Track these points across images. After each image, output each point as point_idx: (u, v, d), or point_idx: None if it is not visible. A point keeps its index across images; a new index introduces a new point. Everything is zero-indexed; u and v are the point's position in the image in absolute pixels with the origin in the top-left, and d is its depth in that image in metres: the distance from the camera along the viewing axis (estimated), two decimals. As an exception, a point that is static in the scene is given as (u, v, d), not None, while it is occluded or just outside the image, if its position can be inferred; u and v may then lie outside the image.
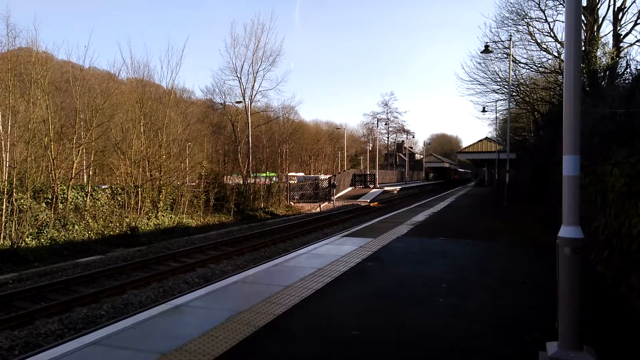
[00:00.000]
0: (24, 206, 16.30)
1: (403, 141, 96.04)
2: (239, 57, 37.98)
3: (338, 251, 9.48)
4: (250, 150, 36.71)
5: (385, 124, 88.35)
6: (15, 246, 14.70)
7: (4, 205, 15.54)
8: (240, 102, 39.26)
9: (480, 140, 44.66)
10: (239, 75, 37.45)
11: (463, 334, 4.58)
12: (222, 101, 44.57)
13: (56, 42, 53.69)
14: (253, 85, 37.68)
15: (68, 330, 7.78)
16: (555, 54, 20.68)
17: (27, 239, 15.52)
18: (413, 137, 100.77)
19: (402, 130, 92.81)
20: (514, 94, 24.87)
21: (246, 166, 35.21)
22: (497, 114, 36.63)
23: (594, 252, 7.33)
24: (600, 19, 17.89)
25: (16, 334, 7.59)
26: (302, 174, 59.62)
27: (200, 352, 4.07)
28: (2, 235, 15.08)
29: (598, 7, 17.78)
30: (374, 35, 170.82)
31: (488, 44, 21.73)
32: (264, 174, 38.59)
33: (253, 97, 38.13)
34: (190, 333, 4.57)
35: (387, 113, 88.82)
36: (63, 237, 16.75)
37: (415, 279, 6.98)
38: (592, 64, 16.43)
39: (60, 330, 7.76)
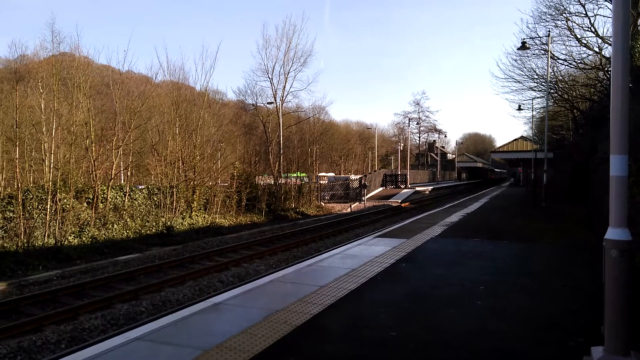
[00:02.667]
0: (67, 206, 16.97)
1: (435, 141, 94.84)
2: (271, 58, 38.29)
3: (371, 252, 9.47)
4: (281, 151, 37.00)
5: (417, 124, 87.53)
6: (58, 244, 15.32)
7: (49, 205, 16.22)
8: (271, 102, 39.65)
9: (515, 140, 43.50)
10: (270, 76, 37.82)
11: (503, 337, 4.50)
12: (254, 102, 45.14)
13: (97, 47, 56.11)
14: (284, 86, 38.00)
15: (111, 326, 8.07)
16: (596, 49, 19.96)
17: (69, 238, 16.16)
18: (445, 136, 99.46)
19: (434, 129, 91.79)
20: (552, 91, 24.16)
21: (277, 166, 35.50)
22: (534, 112, 35.63)
23: (639, 255, 7.06)
24: (644, 13, 17.15)
25: (62, 328, 7.92)
26: (332, 174, 59.66)
27: (240, 349, 4.16)
28: (46, 233, 15.74)
29: (642, 0, 17.06)
30: (405, 33, 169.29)
31: (525, 40, 21.17)
32: (295, 174, 38.84)
33: (284, 97, 38.44)
34: (230, 330, 4.67)
35: (418, 112, 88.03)
36: (103, 235, 17.35)
37: (452, 281, 6.90)
38: (635, 59, 15.77)
39: (103, 326, 8.05)
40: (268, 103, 40.96)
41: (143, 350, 4.22)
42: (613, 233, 3.54)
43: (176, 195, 22.34)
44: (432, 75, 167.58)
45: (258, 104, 44.50)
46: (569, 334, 4.53)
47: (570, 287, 6.56)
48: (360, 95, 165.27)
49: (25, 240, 14.83)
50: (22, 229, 15.18)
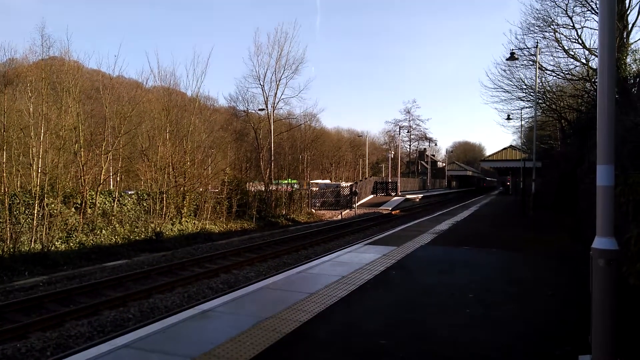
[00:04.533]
0: (55, 211, 16.76)
1: (425, 149, 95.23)
2: (262, 65, 38.30)
3: (361, 259, 9.47)
4: (272, 158, 36.97)
5: (407, 132, 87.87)
6: (45, 250, 15.11)
7: (36, 210, 16.02)
8: (262, 109, 39.62)
9: (505, 149, 43.94)
10: (262, 83, 37.82)
11: (492, 346, 4.52)
12: (245, 109, 45.00)
13: (87, 52, 55.70)
14: (276, 93, 38.01)
15: (97, 333, 7.96)
16: (583, 60, 20.27)
17: (57, 243, 15.95)
18: (435, 144, 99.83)
19: (424, 137, 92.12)
20: (540, 101, 24.45)
21: (268, 173, 35.44)
22: (522, 122, 35.99)
23: (626, 264, 7.14)
24: (630, 25, 17.48)
25: (48, 335, 7.80)
26: (328, 181, 59.48)
27: (228, 357, 4.13)
28: (33, 238, 15.52)
29: (628, 13, 17.39)
30: (396, 42, 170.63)
31: (513, 50, 21.46)
32: (286, 181, 38.78)
33: (276, 104, 38.43)
34: (218, 338, 4.64)
35: (409, 120, 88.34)
36: (91, 241, 17.15)
37: (441, 289, 6.92)
38: (621, 71, 16.06)
39: (89, 333, 7.94)
40: (259, 110, 40.92)
41: (130, 358, 4.17)
42: (600, 242, 3.59)
43: (166, 201, 22.18)
44: (422, 84, 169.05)
45: (249, 111, 44.41)
46: (556, 343, 4.56)
47: (558, 296, 6.61)
48: (352, 103, 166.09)
49: (11, 246, 14.60)
50: (8, 234, 14.95)
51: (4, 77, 19.08)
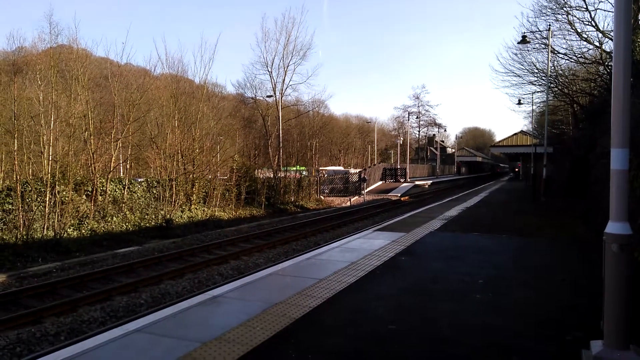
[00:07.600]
0: (66, 198, 16.93)
1: (434, 135, 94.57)
2: (270, 51, 38.14)
3: (370, 245, 9.47)
4: (281, 144, 36.94)
5: (417, 118, 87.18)
6: (58, 237, 15.30)
7: (48, 198, 16.18)
8: (271, 96, 39.53)
9: (515, 134, 43.41)
10: (269, 70, 37.67)
11: (502, 332, 4.51)
12: (253, 95, 44.96)
13: (95, 40, 55.77)
14: (284, 79, 37.85)
15: (110, 318, 8.08)
16: (597, 43, 19.85)
17: (69, 230, 16.14)
18: (445, 130, 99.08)
19: (434, 123, 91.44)
20: (552, 85, 24.09)
21: (276, 160, 35.45)
22: (534, 107, 35.53)
23: (638, 249, 7.07)
24: (645, 7, 17.06)
25: (62, 320, 7.93)
26: (337, 168, 59.30)
27: (239, 342, 4.16)
28: (45, 226, 15.71)
29: (643, -6, 16.96)
30: (405, 27, 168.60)
31: (525, 34, 21.10)
32: (294, 168, 38.76)
33: (284, 91, 38.29)
34: (229, 323, 4.68)
35: (418, 106, 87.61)
36: (102, 228, 17.32)
37: (450, 275, 6.91)
38: (635, 54, 15.73)
39: (102, 318, 8.06)
40: (267, 96, 40.85)
41: (142, 342, 4.22)
42: (613, 227, 3.54)
43: (175, 189, 22.30)
44: (432, 69, 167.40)
45: (257, 98, 44.37)
46: (567, 329, 4.54)
47: (569, 282, 6.57)
48: (360, 89, 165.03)
49: (24, 233, 14.81)
50: (21, 221, 15.16)
51: (13, 65, 19.12)
